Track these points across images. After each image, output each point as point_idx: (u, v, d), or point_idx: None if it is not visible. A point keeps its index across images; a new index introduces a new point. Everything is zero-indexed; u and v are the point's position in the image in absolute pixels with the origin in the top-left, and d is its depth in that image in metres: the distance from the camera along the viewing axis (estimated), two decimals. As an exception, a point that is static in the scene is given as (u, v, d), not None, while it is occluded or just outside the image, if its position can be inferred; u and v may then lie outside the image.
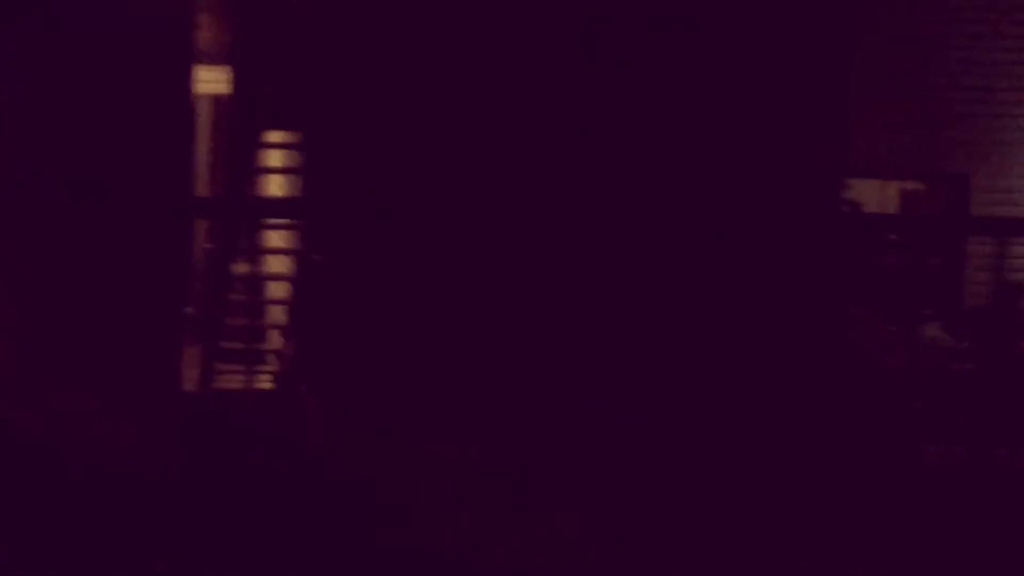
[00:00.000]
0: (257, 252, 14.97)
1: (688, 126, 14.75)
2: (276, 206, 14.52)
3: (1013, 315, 14.68)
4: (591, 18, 13.23)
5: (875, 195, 15.62)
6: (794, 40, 14.80)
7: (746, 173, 14.88)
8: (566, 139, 14.19)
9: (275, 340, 14.64)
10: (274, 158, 14.62)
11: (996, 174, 15.21)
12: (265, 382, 14.04)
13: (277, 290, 14.80)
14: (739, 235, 14.89)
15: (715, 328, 14.50)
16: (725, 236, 14.86)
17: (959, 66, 15.04)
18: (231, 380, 13.55)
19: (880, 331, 14.23)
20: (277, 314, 14.72)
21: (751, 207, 14.93)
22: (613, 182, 14.17)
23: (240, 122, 14.56)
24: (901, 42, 14.92)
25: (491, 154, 14.28)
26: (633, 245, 14.79)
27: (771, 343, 14.54)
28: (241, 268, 14.69)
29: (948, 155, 15.16)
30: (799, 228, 14.95)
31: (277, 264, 14.80)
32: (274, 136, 14.62)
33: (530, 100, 14.14)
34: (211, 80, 15.23)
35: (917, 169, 15.27)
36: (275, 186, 15.05)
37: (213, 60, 14.69)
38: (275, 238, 15.11)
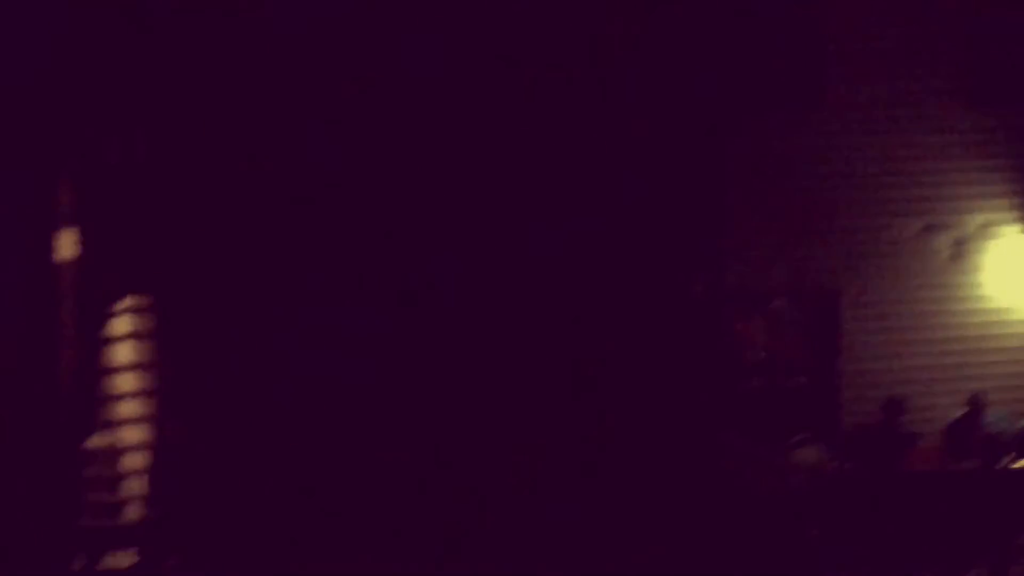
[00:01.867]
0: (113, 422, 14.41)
1: (568, 266, 14.55)
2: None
3: (896, 433, 14.36)
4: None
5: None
6: (672, 180, 14.67)
7: (624, 311, 14.64)
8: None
9: (137, 513, 14.07)
10: (123, 324, 14.12)
11: (865, 289, 14.97)
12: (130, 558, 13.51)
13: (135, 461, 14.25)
14: (616, 368, 14.57)
15: (597, 464, 14.12)
16: (601, 369, 14.55)
17: (828, 184, 14.86)
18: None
19: (762, 457, 13.84)
20: (137, 486, 14.16)
21: (628, 344, 14.64)
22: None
23: (89, 286, 14.09)
24: (770, 168, 14.76)
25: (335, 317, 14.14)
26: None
27: (651, 474, 14.18)
28: (98, 441, 14.13)
29: (818, 273, 14.92)
30: (676, 360, 14.66)
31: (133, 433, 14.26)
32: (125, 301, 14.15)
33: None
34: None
35: (789, 288, 15.01)
36: (124, 352, 14.51)
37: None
38: (130, 406, 14.56)
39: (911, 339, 15.03)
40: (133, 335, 14.09)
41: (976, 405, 14.52)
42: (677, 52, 14.39)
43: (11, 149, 13.00)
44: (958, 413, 14.62)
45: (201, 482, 13.83)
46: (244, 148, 14.01)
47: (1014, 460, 13.87)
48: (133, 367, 14.20)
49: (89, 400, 13.96)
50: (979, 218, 15.17)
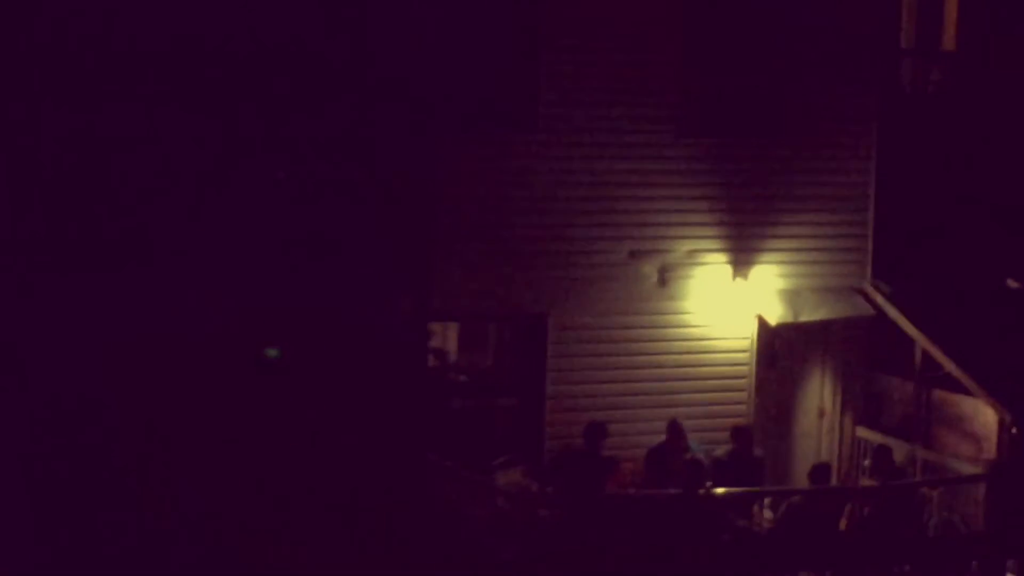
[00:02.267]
0: None
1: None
2: None
3: (598, 456, 14.39)
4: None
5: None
6: (376, 198, 14.41)
7: (329, 328, 14.32)
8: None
9: None
10: None
11: (571, 313, 15.02)
12: None
13: None
14: (323, 385, 14.26)
15: (295, 490, 13.77)
16: (309, 389, 14.22)
17: (538, 208, 14.86)
18: None
19: (463, 479, 13.70)
20: None
21: (333, 362, 14.32)
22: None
23: None
24: (480, 189, 14.68)
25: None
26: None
27: (351, 492, 13.88)
28: None
29: (526, 296, 14.90)
30: (381, 380, 14.40)
31: None
32: None
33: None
34: None
35: (497, 310, 14.95)
36: None
37: None
38: None
39: (616, 363, 15.14)
40: None
41: (675, 431, 14.67)
42: (384, 68, 14.20)
43: None
44: (660, 438, 14.75)
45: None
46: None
47: (712, 486, 14.02)
48: None
49: None
50: (685, 245, 15.41)
